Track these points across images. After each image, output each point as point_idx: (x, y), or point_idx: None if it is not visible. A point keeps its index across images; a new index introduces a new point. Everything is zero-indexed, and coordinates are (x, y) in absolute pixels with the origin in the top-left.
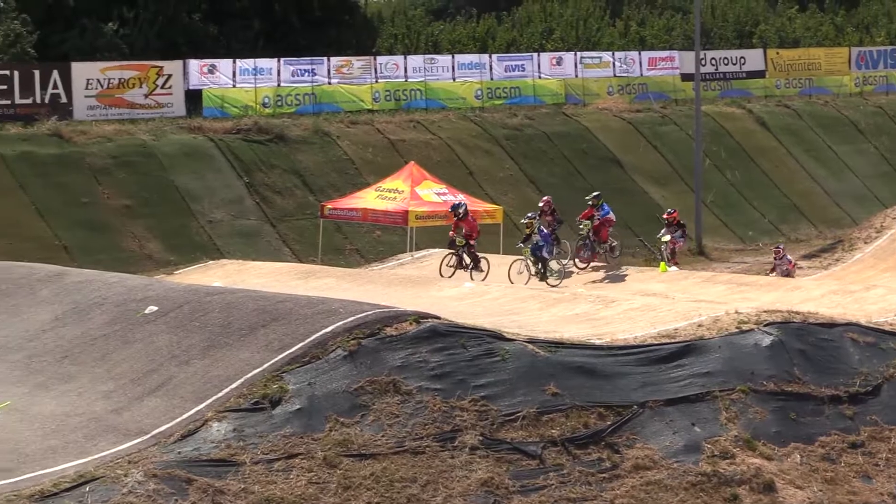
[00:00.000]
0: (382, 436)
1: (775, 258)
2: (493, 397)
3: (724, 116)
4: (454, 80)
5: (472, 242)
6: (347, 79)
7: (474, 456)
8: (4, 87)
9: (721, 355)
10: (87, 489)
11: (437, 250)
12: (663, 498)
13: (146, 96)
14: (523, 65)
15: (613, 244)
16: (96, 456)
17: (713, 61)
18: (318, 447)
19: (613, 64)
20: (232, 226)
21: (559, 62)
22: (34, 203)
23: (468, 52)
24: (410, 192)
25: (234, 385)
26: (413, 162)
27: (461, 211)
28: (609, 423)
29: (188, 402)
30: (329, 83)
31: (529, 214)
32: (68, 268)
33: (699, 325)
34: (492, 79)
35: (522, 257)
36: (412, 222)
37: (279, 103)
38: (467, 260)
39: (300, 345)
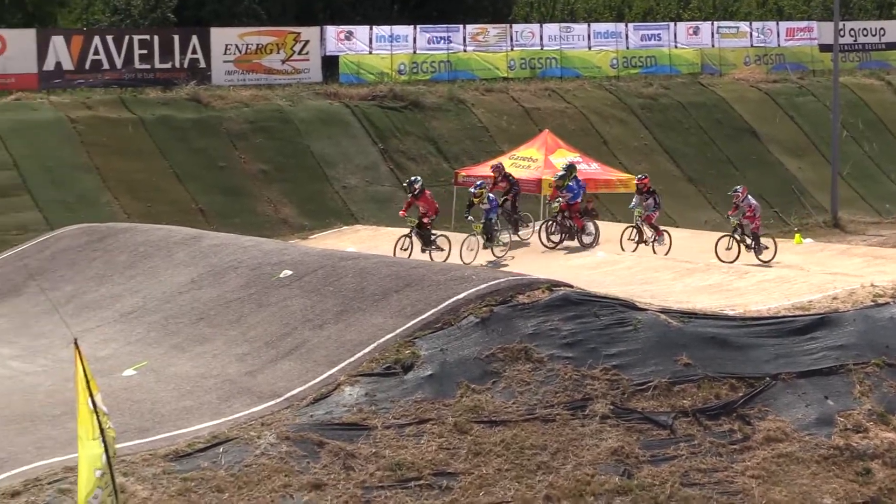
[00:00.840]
0: (513, 403)
1: (735, 201)
2: (624, 367)
3: (863, 88)
4: (590, 48)
5: (425, 221)
6: (483, 46)
7: (605, 425)
8: (144, 51)
9: (856, 328)
10: (221, 450)
11: None
12: (794, 471)
13: (283, 62)
14: (659, 34)
15: (585, 231)
16: (230, 417)
17: (852, 32)
18: (449, 413)
19: (750, 34)
20: (366, 192)
21: (696, 32)
22: (173, 167)
23: (604, 21)
24: (544, 160)
25: (366, 350)
26: (547, 130)
27: (416, 187)
28: (741, 394)
29: (321, 365)
30: (464, 51)
31: (479, 183)
32: (205, 231)
33: (834, 298)
34: (627, 48)
35: (474, 233)
36: (546, 190)
37: (415, 70)
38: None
39: (432, 311)
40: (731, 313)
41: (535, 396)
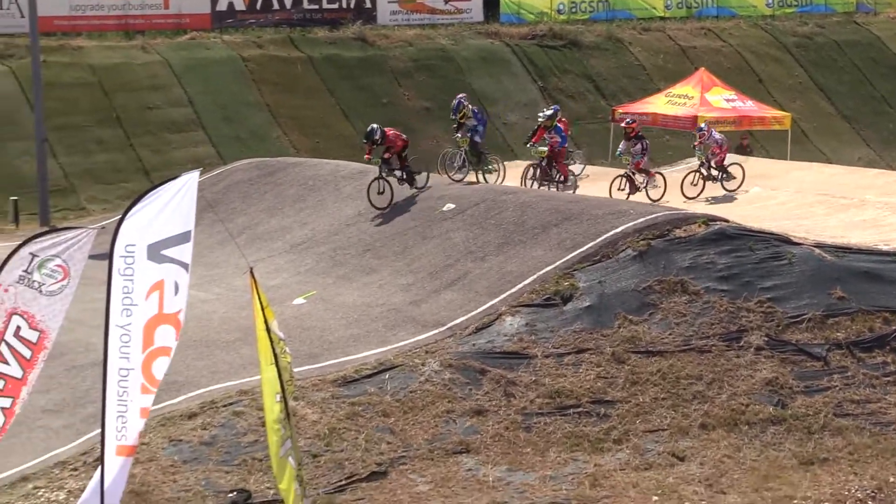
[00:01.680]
0: (669, 334)
1: (701, 139)
2: (778, 299)
3: None
4: None
5: (386, 157)
6: None
7: (759, 356)
8: None
9: None
10: (387, 376)
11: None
12: None
13: (446, 2)
14: None
15: (567, 178)
16: (395, 345)
17: None
18: (606, 343)
19: None
20: (525, 128)
21: None
22: (339, 104)
23: None
24: (700, 97)
25: (526, 281)
26: (703, 68)
27: (376, 137)
28: (895, 327)
29: (482, 296)
30: None
31: (461, 96)
32: (370, 166)
33: None
34: None
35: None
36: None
37: (573, 10)
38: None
39: (591, 244)
40: (884, 248)
41: (690, 328)
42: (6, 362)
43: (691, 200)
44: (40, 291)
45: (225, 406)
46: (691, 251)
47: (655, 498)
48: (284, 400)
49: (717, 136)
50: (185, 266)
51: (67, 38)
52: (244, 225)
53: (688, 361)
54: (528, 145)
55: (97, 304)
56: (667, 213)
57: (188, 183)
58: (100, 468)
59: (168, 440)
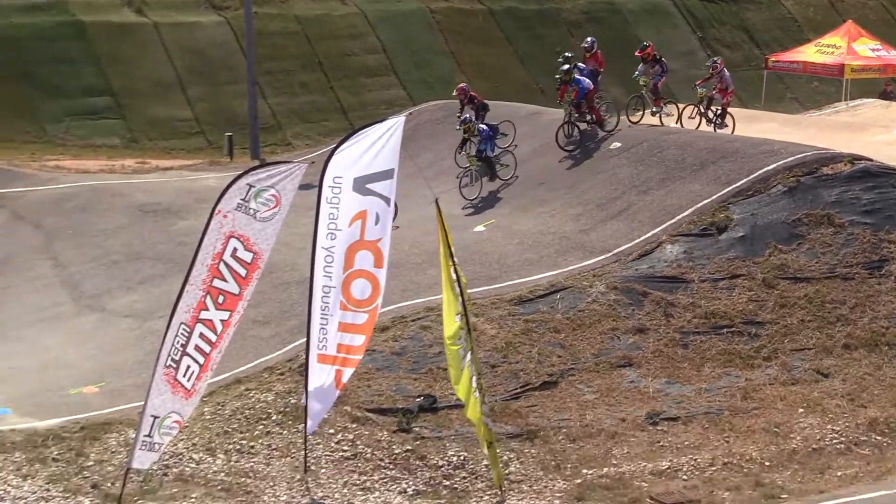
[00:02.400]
0: (815, 262)
1: (712, 72)
2: None
3: None
4: None
5: (576, 101)
6: None
7: None
8: None
9: None
10: (558, 297)
11: (869, 100)
12: None
13: None
14: None
15: (603, 121)
16: (565, 269)
17: None
18: (758, 270)
19: None
20: (685, 75)
21: None
22: (516, 52)
23: None
24: (847, 47)
25: (685, 213)
26: (850, 20)
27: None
28: None
29: (645, 226)
30: None
31: (464, 118)
32: (544, 108)
33: None
34: None
35: (469, 168)
36: (847, 74)
37: None
38: None
39: (745, 180)
40: None
41: (835, 257)
42: (224, 279)
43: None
44: (255, 217)
45: (414, 321)
46: (837, 187)
47: (801, 410)
48: (465, 318)
49: (728, 74)
50: (387, 200)
51: None
52: (430, 160)
53: (832, 287)
54: (558, 102)
55: (303, 230)
56: (815, 152)
57: (395, 126)
58: (307, 374)
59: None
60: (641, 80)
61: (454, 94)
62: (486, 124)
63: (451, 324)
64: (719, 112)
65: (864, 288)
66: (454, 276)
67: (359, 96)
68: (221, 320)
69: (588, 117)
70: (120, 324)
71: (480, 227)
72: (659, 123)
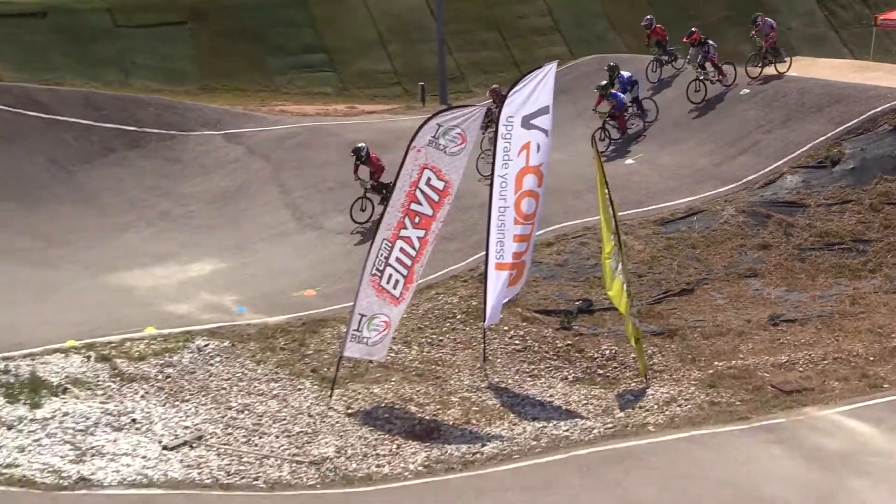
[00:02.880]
0: None
1: (757, 28)
2: None
3: None
4: None
5: (375, 182)
6: None
7: None
8: None
9: None
10: (695, 218)
11: None
12: None
13: None
14: None
15: (625, 131)
16: (700, 195)
17: None
18: (865, 196)
19: None
20: (803, 32)
21: None
22: (658, 14)
23: None
24: None
25: (804, 148)
26: None
27: (363, 154)
28: None
29: (769, 159)
30: None
31: (488, 109)
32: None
33: None
34: None
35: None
36: None
37: None
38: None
39: (855, 120)
40: None
41: None
42: (419, 203)
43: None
44: (444, 152)
45: (573, 238)
46: None
47: None
48: (618, 236)
49: (770, 21)
50: (545, 132)
51: None
52: (587, 105)
53: None
54: (593, 110)
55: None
56: None
57: (549, 71)
58: (486, 280)
59: (532, 262)
60: (693, 64)
61: (487, 94)
62: (627, 76)
63: (607, 241)
64: (773, 54)
65: None
66: (608, 201)
67: (529, 52)
68: (418, 237)
69: (614, 129)
70: (334, 240)
71: (630, 161)
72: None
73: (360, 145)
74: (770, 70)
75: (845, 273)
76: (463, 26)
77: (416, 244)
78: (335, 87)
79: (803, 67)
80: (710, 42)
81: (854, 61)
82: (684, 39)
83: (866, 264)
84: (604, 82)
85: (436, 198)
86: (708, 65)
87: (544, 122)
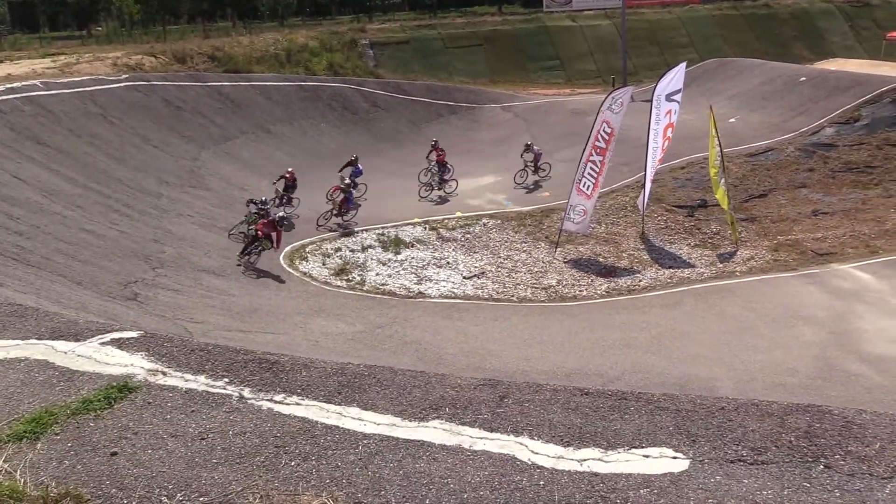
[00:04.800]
0: None
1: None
2: None
3: None
4: None
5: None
6: None
7: None
8: None
9: None
10: (769, 153)
11: None
12: None
13: None
14: None
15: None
16: (773, 139)
17: None
18: (874, 140)
19: None
20: (841, 44)
21: None
22: (756, 43)
23: None
24: None
25: (836, 112)
26: None
27: (431, 144)
28: None
29: (815, 118)
30: None
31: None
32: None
33: None
34: None
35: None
36: None
37: None
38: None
39: (869, 95)
40: None
41: None
42: (599, 141)
43: None
44: (612, 111)
45: (696, 164)
46: None
47: (892, 210)
48: (722, 162)
49: (538, 149)
50: (678, 103)
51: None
52: (710, 87)
53: None
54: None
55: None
56: None
57: (681, 67)
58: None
59: (672, 178)
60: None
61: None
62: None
63: (712, 165)
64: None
65: None
66: (717, 142)
67: (674, 57)
68: (600, 161)
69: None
70: (558, 164)
71: (732, 120)
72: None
73: (434, 139)
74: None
75: (859, 186)
76: (637, 43)
77: (598, 166)
78: (563, 79)
79: (839, 64)
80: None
81: (871, 61)
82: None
83: (872, 181)
84: (346, 180)
85: (607, 138)
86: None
87: (678, 97)
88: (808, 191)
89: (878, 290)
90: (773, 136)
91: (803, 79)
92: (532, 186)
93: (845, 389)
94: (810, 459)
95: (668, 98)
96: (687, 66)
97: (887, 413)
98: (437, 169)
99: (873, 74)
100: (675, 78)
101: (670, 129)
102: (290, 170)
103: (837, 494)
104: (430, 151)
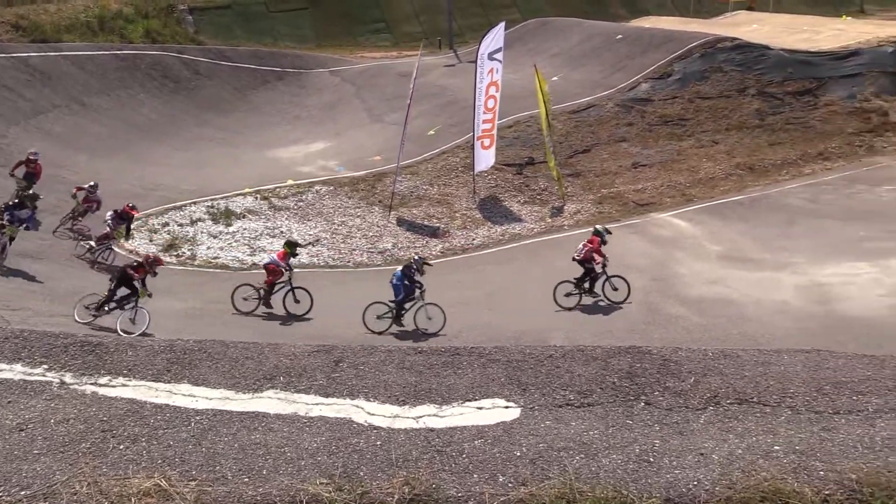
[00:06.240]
0: (713, 89)
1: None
2: (761, 73)
3: None
4: None
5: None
6: None
7: (753, 98)
8: None
9: (869, 56)
10: (591, 109)
11: (741, 11)
12: (837, 118)
13: None
14: None
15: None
16: (594, 96)
17: None
18: (686, 93)
19: None
20: (655, 1)
21: None
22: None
23: None
24: None
25: (651, 68)
26: None
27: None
28: (815, 85)
29: (632, 74)
30: None
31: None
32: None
33: (859, 42)
34: None
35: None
36: None
37: None
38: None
39: (680, 50)
40: (812, 49)
41: (722, 86)
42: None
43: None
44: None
45: (524, 122)
46: (724, 53)
47: (704, 160)
48: (548, 120)
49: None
50: (500, 61)
51: None
52: (532, 47)
53: (722, 102)
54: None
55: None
56: (714, 36)
57: (500, 27)
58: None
59: (498, 137)
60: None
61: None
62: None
63: (544, 123)
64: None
65: (736, 101)
66: (545, 100)
67: (498, 17)
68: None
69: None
70: (389, 127)
71: (555, 78)
72: None
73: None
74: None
75: (674, 138)
76: (462, 4)
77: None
78: (391, 42)
79: (652, 22)
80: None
81: (681, 18)
82: None
83: (685, 132)
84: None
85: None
86: None
87: (500, 56)
88: (627, 144)
89: (694, 236)
90: (594, 93)
91: (620, 36)
92: None
93: (667, 331)
94: (632, 398)
95: (490, 57)
96: (510, 27)
97: (700, 349)
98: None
99: (684, 31)
100: (495, 37)
101: (493, 88)
102: (33, 153)
103: (657, 428)
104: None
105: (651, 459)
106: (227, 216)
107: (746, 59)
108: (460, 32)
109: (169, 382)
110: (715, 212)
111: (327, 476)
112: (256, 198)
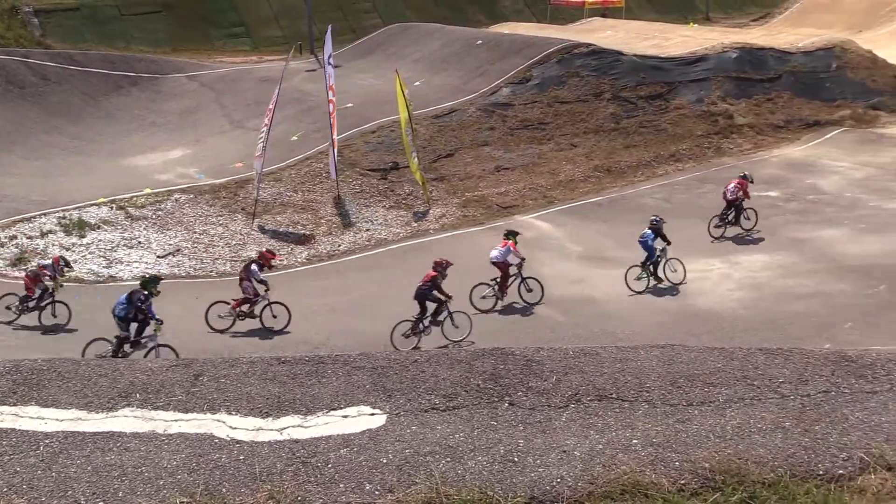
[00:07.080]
0: (571, 94)
1: None
2: (617, 77)
3: None
4: None
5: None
6: None
7: (609, 103)
8: None
9: (715, 60)
10: (454, 114)
11: (596, 18)
12: (687, 121)
13: None
14: None
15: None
16: (457, 100)
17: None
18: (545, 99)
19: None
20: (512, 8)
21: None
22: None
23: None
24: None
25: (511, 73)
26: None
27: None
28: (665, 90)
29: (493, 79)
30: None
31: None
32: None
33: (706, 49)
34: None
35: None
36: (587, 6)
37: None
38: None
39: (539, 55)
40: (661, 55)
41: (579, 91)
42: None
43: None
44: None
45: (387, 127)
46: (581, 58)
47: (564, 162)
48: (411, 125)
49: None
50: (332, 66)
51: None
52: (389, 50)
53: (579, 106)
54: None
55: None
56: (571, 41)
57: (328, 32)
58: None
59: (364, 143)
60: None
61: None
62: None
63: (404, 128)
64: None
65: (592, 105)
66: (407, 105)
67: (359, 22)
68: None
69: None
70: (250, 133)
71: (417, 83)
72: None
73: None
74: None
75: (535, 141)
76: (322, 8)
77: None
78: (250, 46)
79: (511, 28)
80: None
81: (538, 24)
82: None
83: (545, 136)
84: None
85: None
86: None
87: (332, 60)
88: (490, 148)
89: (557, 237)
90: (456, 98)
91: (480, 42)
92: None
93: (534, 331)
94: (496, 399)
95: (328, 62)
96: (371, 32)
97: (561, 348)
98: None
99: (541, 37)
100: (328, 42)
101: (330, 93)
102: None
103: (521, 428)
104: None
105: (515, 459)
106: (80, 227)
107: (601, 65)
108: (320, 37)
109: (15, 405)
110: (575, 213)
111: (188, 494)
112: (112, 208)
